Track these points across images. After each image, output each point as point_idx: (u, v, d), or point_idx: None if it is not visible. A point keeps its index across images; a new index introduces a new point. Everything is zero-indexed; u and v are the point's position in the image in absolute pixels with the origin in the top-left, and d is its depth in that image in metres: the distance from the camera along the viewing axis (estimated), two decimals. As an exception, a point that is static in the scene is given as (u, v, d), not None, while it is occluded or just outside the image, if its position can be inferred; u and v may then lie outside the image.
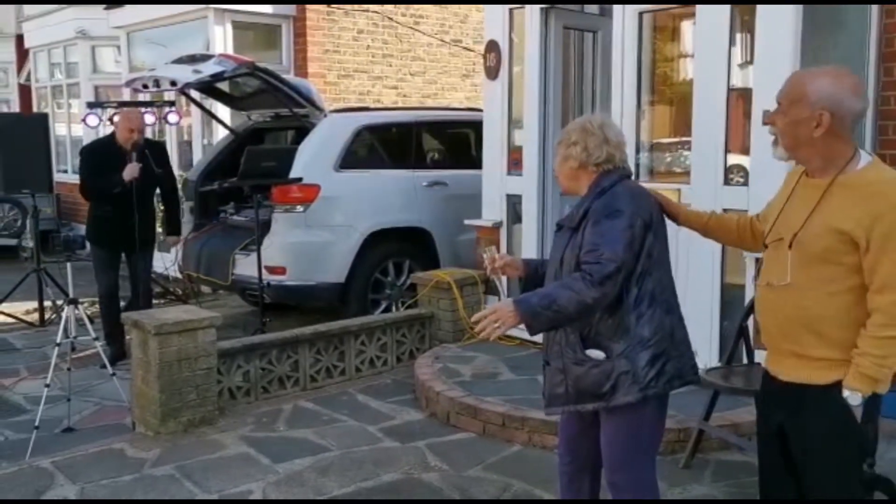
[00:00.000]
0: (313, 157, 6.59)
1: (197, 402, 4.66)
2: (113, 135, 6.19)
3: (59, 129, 12.30)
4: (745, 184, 4.76)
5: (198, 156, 9.15)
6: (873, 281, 2.17)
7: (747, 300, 4.42)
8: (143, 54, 10.45)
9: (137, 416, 4.72)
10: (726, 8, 4.70)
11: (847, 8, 4.59)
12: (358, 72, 10.05)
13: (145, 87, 6.76)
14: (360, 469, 4.07)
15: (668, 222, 2.77)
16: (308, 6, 9.54)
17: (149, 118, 8.01)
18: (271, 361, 5.19)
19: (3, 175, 7.47)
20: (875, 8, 4.49)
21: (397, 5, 10.32)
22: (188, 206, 7.50)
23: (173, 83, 6.46)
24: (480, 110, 6.77)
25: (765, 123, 2.38)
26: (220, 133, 8.49)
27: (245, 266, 6.54)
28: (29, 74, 13.59)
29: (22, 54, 13.73)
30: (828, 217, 2.21)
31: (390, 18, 10.28)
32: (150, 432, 4.58)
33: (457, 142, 7.91)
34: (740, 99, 4.88)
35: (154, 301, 6.80)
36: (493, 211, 6.18)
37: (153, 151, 6.18)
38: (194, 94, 7.64)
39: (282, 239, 6.44)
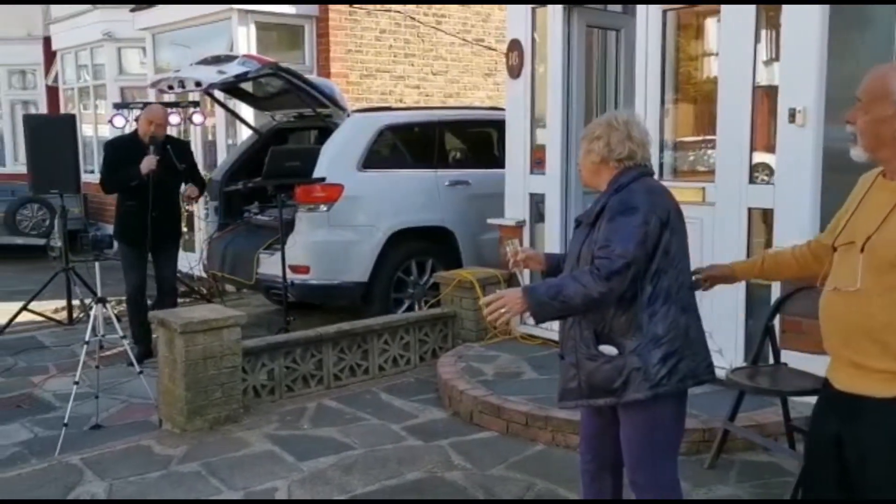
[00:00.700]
0: (336, 157, 6.62)
1: (222, 400, 4.71)
2: (136, 131, 6.26)
3: (85, 130, 12.45)
4: (771, 182, 4.72)
5: (222, 156, 9.23)
6: None
7: (773, 299, 4.39)
8: (168, 55, 10.56)
9: (164, 413, 4.78)
10: (752, 5, 4.66)
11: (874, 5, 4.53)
12: (380, 71, 10.09)
13: (171, 88, 6.85)
14: (384, 467, 4.09)
15: (687, 222, 2.74)
16: (330, 6, 9.59)
17: (174, 119, 8.11)
18: (295, 360, 5.23)
19: (32, 176, 7.58)
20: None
21: (419, 5, 10.34)
22: (213, 205, 7.58)
23: (198, 84, 6.52)
24: (503, 109, 6.77)
25: (847, 122, 2.23)
26: (244, 133, 8.55)
27: (269, 265, 6.58)
28: (56, 76, 13.78)
29: (49, 56, 13.92)
30: None
31: (412, 18, 10.30)
32: (176, 429, 4.63)
33: (479, 141, 7.91)
34: (765, 96, 4.84)
35: (179, 300, 6.87)
36: (516, 210, 6.18)
37: (176, 148, 6.22)
38: (218, 94, 7.70)
39: (305, 238, 6.48)
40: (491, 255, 6.71)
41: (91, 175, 11.97)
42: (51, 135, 7.49)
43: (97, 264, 5.16)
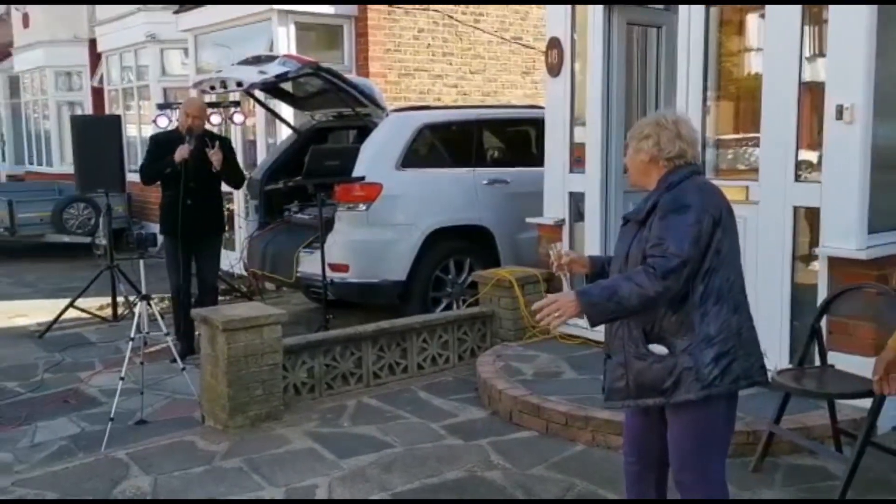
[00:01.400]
0: (375, 156, 6.65)
1: (263, 398, 4.75)
2: (178, 128, 6.36)
3: (129, 130, 12.67)
4: (817, 180, 4.63)
5: (262, 155, 9.32)
6: None
7: (820, 300, 4.31)
8: (210, 56, 10.69)
9: (206, 409, 4.84)
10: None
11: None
12: (419, 70, 10.10)
13: (212, 88, 6.94)
14: (424, 466, 4.10)
15: (738, 220, 2.71)
16: (369, 6, 9.62)
17: (215, 118, 8.22)
18: (335, 358, 5.26)
19: (78, 175, 7.73)
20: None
21: (458, 4, 10.33)
22: (253, 204, 7.66)
23: (239, 84, 6.60)
24: (541, 108, 6.74)
25: None
26: (284, 133, 8.63)
27: (309, 264, 6.63)
28: (101, 77, 14.04)
29: (95, 58, 14.20)
30: None
31: (450, 17, 10.30)
32: (218, 426, 4.69)
33: (517, 139, 7.89)
34: (809, 93, 4.75)
35: (220, 298, 6.95)
36: (555, 209, 6.14)
37: (216, 142, 6.26)
38: (259, 94, 7.78)
39: (345, 237, 6.52)
40: (529, 254, 6.69)
41: (135, 174, 12.19)
42: (96, 135, 7.64)
43: (141, 262, 5.25)
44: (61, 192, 12.39)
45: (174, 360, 5.31)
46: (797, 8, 4.57)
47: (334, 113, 7.68)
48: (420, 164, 6.89)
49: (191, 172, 5.99)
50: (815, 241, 4.58)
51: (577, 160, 6.03)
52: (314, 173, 7.02)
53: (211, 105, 8.37)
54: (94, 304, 7.71)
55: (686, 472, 2.69)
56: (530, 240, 6.61)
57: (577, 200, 6.03)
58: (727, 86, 5.50)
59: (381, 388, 5.36)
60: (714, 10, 5.12)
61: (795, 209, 4.66)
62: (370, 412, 4.91)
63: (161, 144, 6.25)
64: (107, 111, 13.61)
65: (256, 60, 6.91)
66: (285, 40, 9.26)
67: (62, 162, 14.58)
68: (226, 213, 7.19)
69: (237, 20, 9.79)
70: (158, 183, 6.30)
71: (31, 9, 14.95)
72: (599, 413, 4.28)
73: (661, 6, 6.12)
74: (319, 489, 3.88)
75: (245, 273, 7.84)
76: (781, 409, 3.86)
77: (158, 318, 5.34)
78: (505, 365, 5.28)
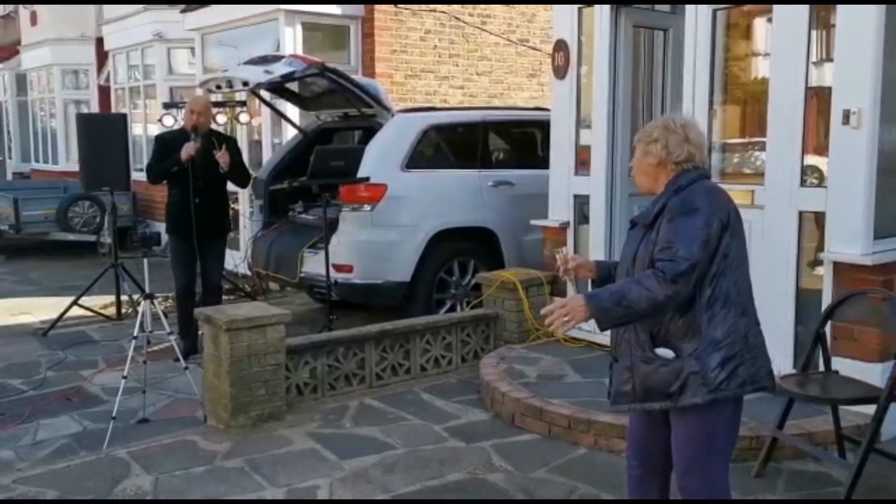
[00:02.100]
0: (380, 157, 6.65)
1: (265, 398, 4.75)
2: (183, 127, 6.37)
3: (135, 129, 12.71)
4: (823, 185, 4.61)
5: (267, 155, 9.33)
6: None
7: (824, 305, 4.29)
8: (216, 56, 10.71)
9: (209, 409, 4.84)
10: (805, 5, 4.56)
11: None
12: (425, 72, 10.10)
13: (218, 87, 6.95)
14: (426, 468, 4.09)
15: (744, 224, 2.70)
16: (376, 7, 9.63)
17: (221, 118, 8.23)
18: (338, 358, 5.26)
19: (83, 173, 7.74)
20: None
21: (464, 5, 10.33)
22: (258, 204, 7.67)
23: (245, 83, 6.61)
24: (547, 110, 6.72)
25: None
26: (290, 133, 8.64)
27: (313, 264, 6.64)
28: (108, 76, 14.07)
29: (101, 56, 14.23)
30: None
31: (457, 18, 10.30)
32: (220, 425, 4.69)
33: (523, 141, 7.88)
34: (815, 97, 4.73)
35: (224, 297, 6.95)
36: (559, 211, 6.13)
37: (222, 142, 6.25)
38: (265, 94, 7.79)
39: (349, 238, 6.52)
40: (534, 256, 6.68)
41: (140, 173, 12.22)
42: (102, 133, 7.65)
43: (145, 261, 5.25)
44: (66, 190, 12.43)
45: (177, 360, 5.31)
46: (805, 12, 4.56)
47: (340, 113, 7.68)
48: (425, 166, 6.88)
49: (198, 171, 6.00)
50: (820, 246, 4.57)
51: (582, 163, 6.02)
52: (319, 173, 7.02)
53: (217, 104, 8.38)
54: (98, 302, 7.71)
55: (690, 476, 2.68)
56: (535, 242, 6.61)
57: (581, 203, 6.02)
58: (733, 89, 5.48)
59: (384, 389, 5.35)
60: (721, 13, 5.11)
61: (801, 214, 4.64)
62: (372, 413, 4.91)
63: (166, 143, 6.26)
64: (113, 110, 13.65)
65: (263, 60, 6.91)
66: (292, 40, 9.27)
67: (68, 160, 14.62)
68: (231, 212, 7.19)
69: (244, 20, 9.81)
70: (165, 182, 6.31)
71: (39, 7, 15.00)
72: (602, 416, 4.27)
73: (667, 9, 6.11)
74: (321, 490, 3.88)
75: (249, 273, 7.84)
76: (785, 414, 3.85)
77: (162, 316, 5.34)
78: (508, 367, 5.27)
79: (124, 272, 7.39)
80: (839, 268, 4.42)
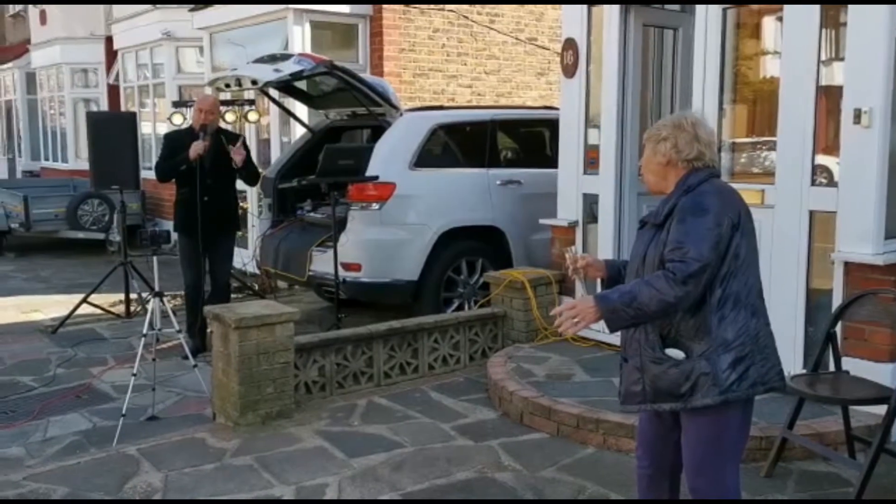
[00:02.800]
0: (389, 156, 6.65)
1: (274, 396, 4.76)
2: (192, 125, 6.38)
3: (144, 127, 12.74)
4: (833, 185, 4.60)
5: (276, 153, 9.34)
6: None
7: (835, 305, 4.28)
8: (225, 54, 10.73)
9: (217, 407, 4.85)
10: (816, 5, 4.54)
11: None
12: (433, 70, 10.10)
13: (227, 86, 6.97)
14: (434, 466, 4.09)
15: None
16: (385, 6, 9.63)
17: (229, 116, 8.24)
18: (346, 357, 5.26)
19: (93, 172, 7.77)
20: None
21: (473, 4, 10.32)
22: (266, 202, 7.68)
23: (254, 82, 6.62)
24: (556, 109, 6.72)
25: None
26: (298, 131, 8.65)
27: (321, 262, 6.64)
28: (117, 75, 14.12)
29: (111, 55, 14.28)
30: None
31: (466, 17, 10.30)
32: (229, 423, 4.70)
33: (531, 140, 7.87)
34: (826, 97, 4.71)
35: (233, 296, 6.97)
36: (568, 210, 6.13)
37: (230, 140, 6.27)
38: (273, 92, 7.80)
39: (357, 236, 6.52)
40: (542, 255, 6.67)
41: (149, 171, 12.26)
42: (112, 131, 7.68)
43: (154, 259, 5.27)
44: (76, 189, 12.48)
45: (186, 357, 5.32)
46: (815, 11, 4.54)
47: (348, 112, 7.68)
48: (433, 164, 6.88)
49: (207, 169, 6.01)
50: (830, 246, 4.55)
51: (591, 162, 6.01)
52: (328, 172, 7.03)
53: (225, 103, 8.40)
54: (108, 300, 7.74)
55: (701, 477, 2.67)
56: (543, 241, 6.60)
57: (590, 202, 6.01)
58: (743, 89, 5.47)
59: (392, 387, 5.36)
60: (731, 12, 5.09)
61: (811, 213, 4.62)
62: (381, 412, 4.91)
63: (175, 142, 6.28)
64: (122, 108, 13.70)
65: (271, 59, 6.92)
66: (300, 39, 9.29)
67: (77, 158, 14.68)
68: (240, 211, 7.20)
69: (252, 19, 9.83)
70: (173, 181, 6.33)
71: (49, 6, 15.06)
72: (611, 416, 4.26)
73: (677, 8, 6.10)
74: (329, 488, 3.88)
75: (258, 271, 7.85)
76: (795, 414, 3.83)
77: (171, 314, 5.35)
78: (516, 366, 5.27)
79: (133, 270, 7.41)
80: (850, 268, 4.40)
